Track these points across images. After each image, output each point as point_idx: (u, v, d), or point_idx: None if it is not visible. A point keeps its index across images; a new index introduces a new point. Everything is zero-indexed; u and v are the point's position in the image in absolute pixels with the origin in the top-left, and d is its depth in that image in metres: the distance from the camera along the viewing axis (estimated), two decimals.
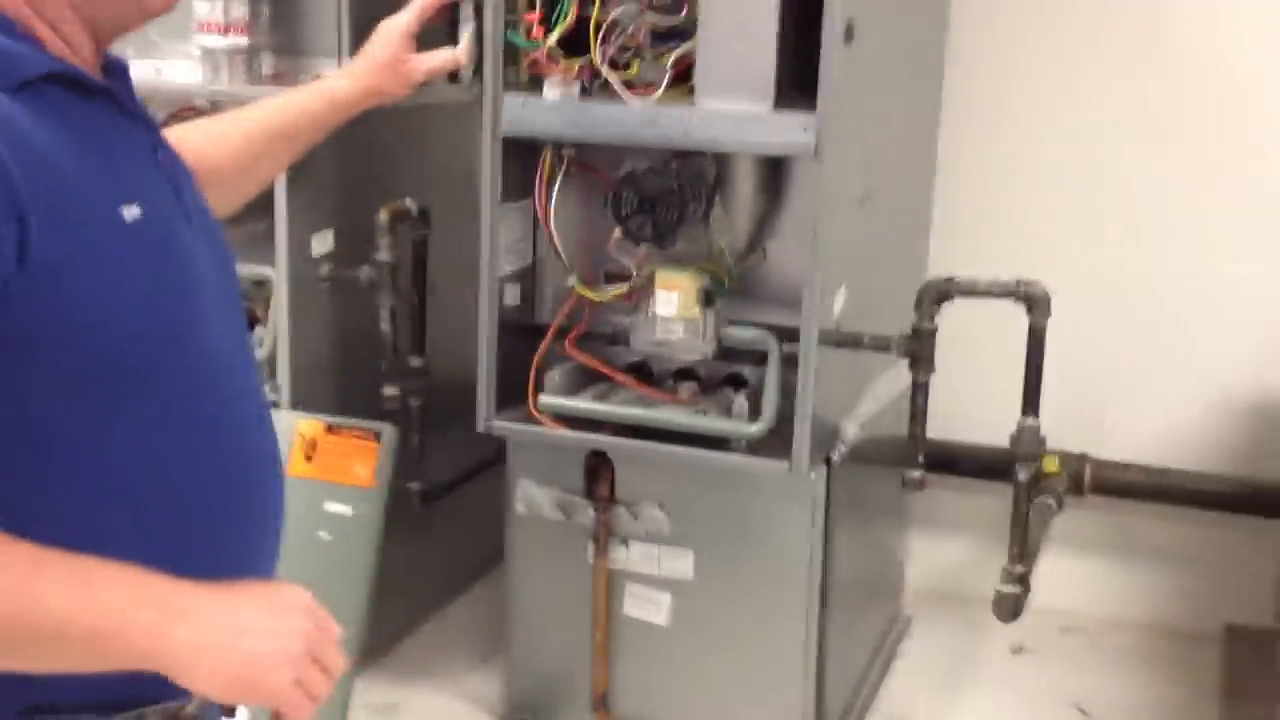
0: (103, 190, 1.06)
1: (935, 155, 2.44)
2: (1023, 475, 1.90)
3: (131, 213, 1.07)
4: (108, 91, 1.13)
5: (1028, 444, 1.90)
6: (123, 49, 1.28)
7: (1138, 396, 2.55)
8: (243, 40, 2.00)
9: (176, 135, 1.48)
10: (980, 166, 2.51)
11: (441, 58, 1.73)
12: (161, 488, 1.14)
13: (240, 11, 1.97)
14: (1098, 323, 2.51)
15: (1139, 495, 2.50)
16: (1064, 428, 2.48)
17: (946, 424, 2.25)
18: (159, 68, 2.06)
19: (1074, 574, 2.64)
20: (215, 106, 2.06)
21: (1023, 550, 1.93)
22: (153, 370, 1.10)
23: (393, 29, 1.72)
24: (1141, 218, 2.48)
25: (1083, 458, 2.47)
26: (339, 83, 1.69)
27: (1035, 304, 1.86)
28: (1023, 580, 1.94)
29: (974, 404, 2.38)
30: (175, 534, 1.15)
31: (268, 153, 1.62)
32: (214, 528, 1.20)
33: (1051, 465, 2.39)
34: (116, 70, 1.22)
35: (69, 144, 1.05)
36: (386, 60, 1.70)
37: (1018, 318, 2.28)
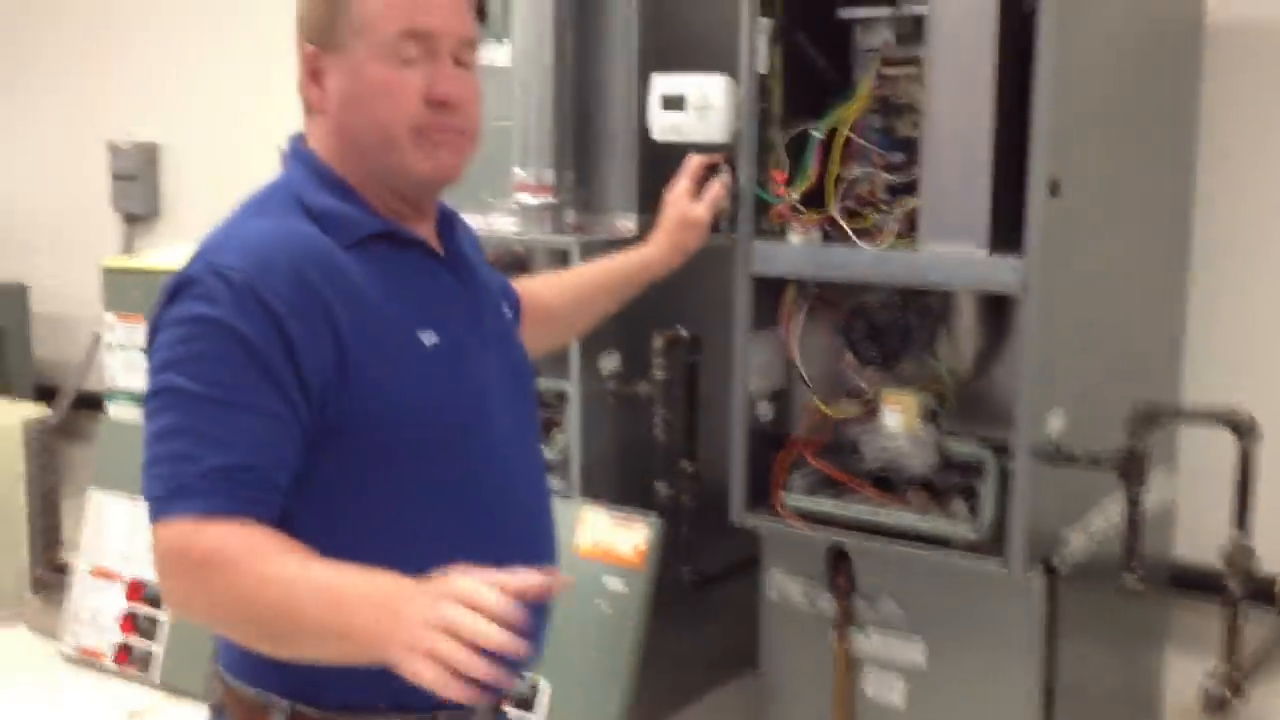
0: (407, 321, 1.41)
1: (1184, 290, 2.56)
2: (1233, 586, 2.00)
3: (429, 338, 1.41)
4: (420, 244, 1.50)
5: (1236, 558, 2.00)
6: (461, 208, 1.68)
7: None
8: (551, 198, 2.41)
9: (526, 282, 1.90)
10: (1238, 300, 2.59)
11: (712, 194, 2.09)
12: (444, 550, 1.37)
13: (549, 176, 2.40)
14: None
15: None
16: None
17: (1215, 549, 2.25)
18: (488, 220, 2.50)
19: None
20: (529, 249, 2.50)
21: (1234, 658, 2.01)
22: (440, 458, 1.41)
23: (676, 195, 2.11)
24: None
25: None
26: (648, 249, 2.08)
27: (1241, 430, 1.98)
28: (1232, 683, 2.01)
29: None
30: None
31: (591, 300, 2.03)
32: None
33: None
34: (444, 218, 1.57)
35: (384, 286, 1.40)
36: (679, 220, 2.09)
37: None
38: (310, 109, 1.49)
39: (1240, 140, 2.56)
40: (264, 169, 1.59)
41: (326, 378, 1.34)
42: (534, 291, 1.90)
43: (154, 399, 1.33)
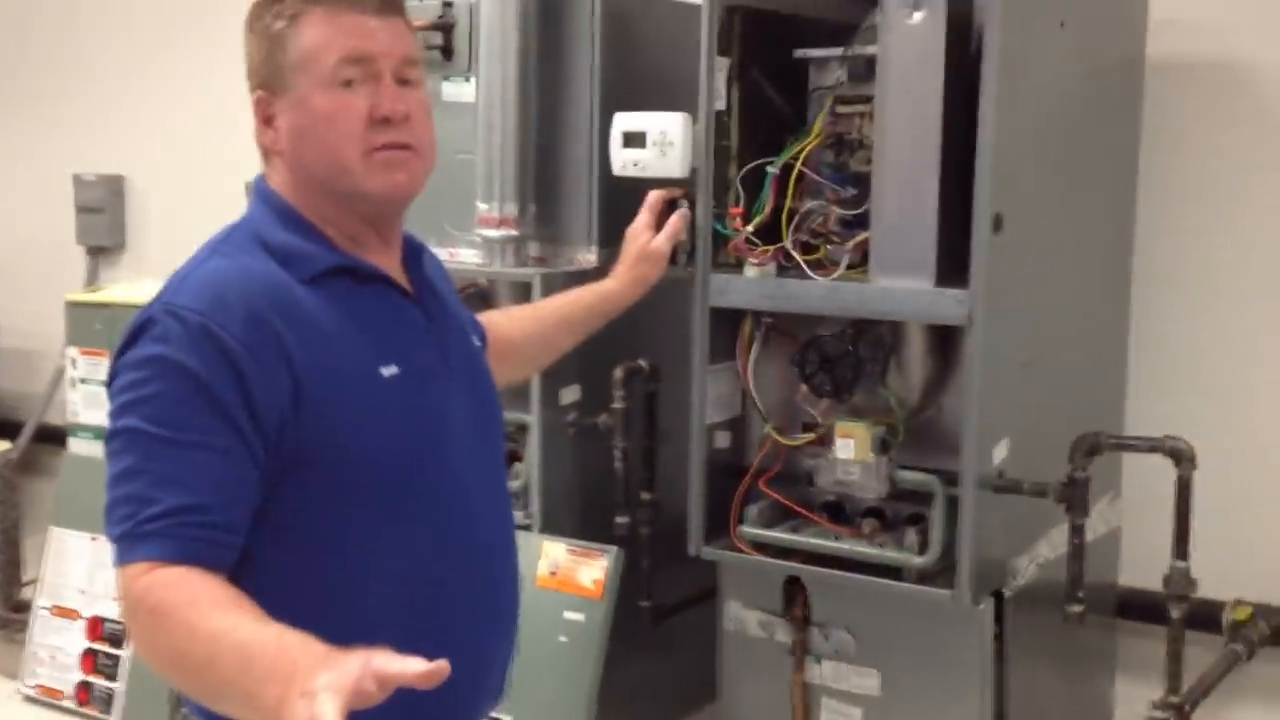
0: (366, 355, 1.43)
1: (1126, 321, 2.63)
2: (1175, 614, 2.06)
3: (389, 370, 1.44)
4: (383, 277, 1.52)
5: (1176, 585, 2.05)
6: (425, 240, 1.72)
7: None
8: (514, 231, 2.45)
9: (490, 316, 1.93)
10: (1179, 330, 2.66)
11: (670, 227, 2.14)
12: (407, 579, 1.44)
13: (511, 209, 2.44)
14: None
15: None
16: (1273, 581, 2.58)
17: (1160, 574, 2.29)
18: (452, 252, 2.53)
19: None
20: (492, 283, 2.54)
21: (1177, 683, 2.06)
22: (400, 490, 1.43)
23: (635, 228, 2.16)
24: None
25: None
26: (608, 283, 2.12)
27: (1180, 458, 2.03)
28: (1177, 710, 2.06)
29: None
30: (418, 614, 1.45)
31: (554, 334, 2.07)
32: (451, 614, 1.50)
33: (1242, 614, 2.48)
34: (412, 251, 1.60)
35: (344, 321, 1.43)
36: (638, 254, 2.13)
37: (1237, 473, 2.40)
38: (267, 154, 1.53)
39: (1177, 174, 2.63)
40: (230, 200, 1.63)
41: (282, 413, 1.36)
42: (497, 326, 1.93)
43: (114, 440, 1.36)
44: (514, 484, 2.48)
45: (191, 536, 1.30)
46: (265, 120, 1.51)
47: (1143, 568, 2.61)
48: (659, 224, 2.17)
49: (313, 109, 1.46)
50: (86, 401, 3.45)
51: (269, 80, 1.49)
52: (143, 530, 1.30)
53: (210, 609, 1.26)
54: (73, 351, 3.47)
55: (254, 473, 1.35)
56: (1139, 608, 2.63)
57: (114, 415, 1.36)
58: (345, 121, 1.45)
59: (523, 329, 2.03)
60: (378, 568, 1.44)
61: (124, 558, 1.32)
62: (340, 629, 1.32)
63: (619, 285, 2.14)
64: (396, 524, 1.45)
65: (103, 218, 4.33)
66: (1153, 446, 2.06)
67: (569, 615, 2.38)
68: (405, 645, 1.39)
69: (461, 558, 1.53)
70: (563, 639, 2.37)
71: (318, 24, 1.46)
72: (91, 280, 4.42)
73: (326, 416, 1.39)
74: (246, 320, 1.36)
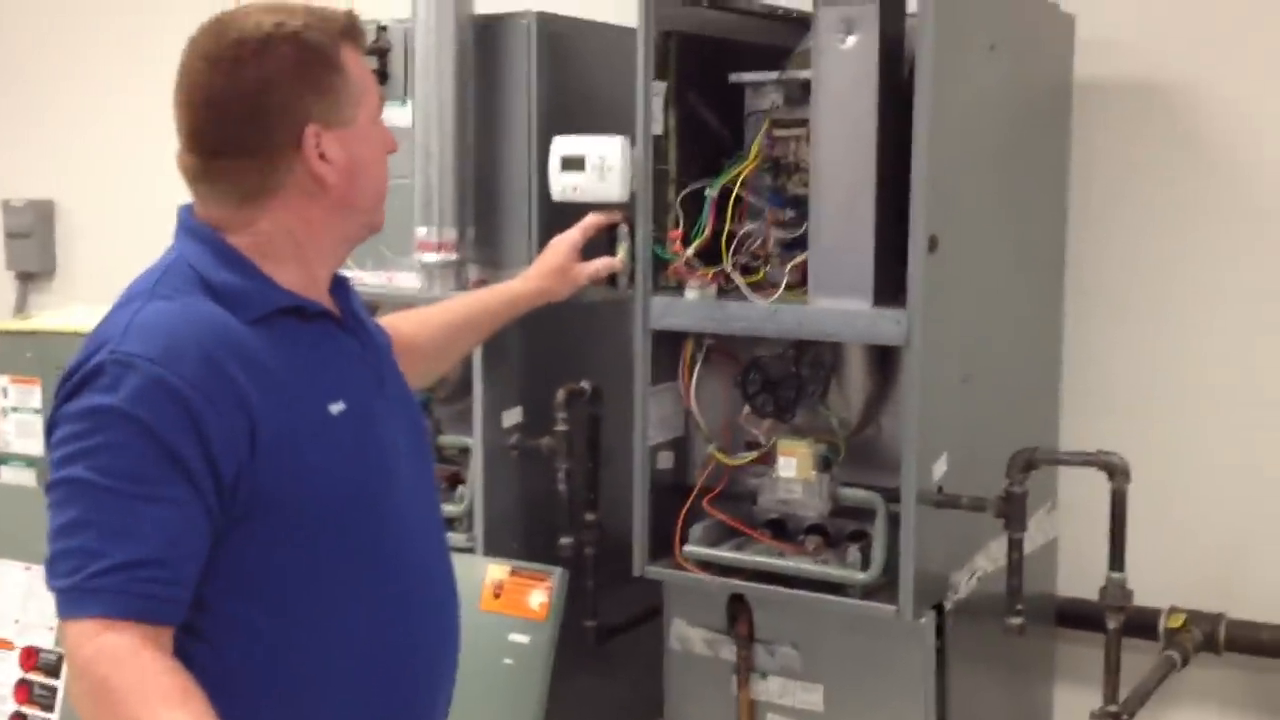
0: (314, 392, 1.43)
1: (1059, 337, 2.69)
2: (1111, 624, 2.10)
3: (337, 407, 1.43)
4: (325, 314, 1.52)
5: (1112, 596, 2.10)
6: (363, 264, 1.72)
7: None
8: (453, 255, 2.43)
9: (391, 319, 1.90)
10: (1109, 346, 2.72)
11: (599, 265, 2.16)
12: (361, 616, 1.45)
13: (450, 233, 2.43)
14: (1239, 485, 2.65)
15: (1274, 653, 2.59)
16: (1210, 587, 2.64)
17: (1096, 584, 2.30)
18: (390, 276, 2.52)
19: None
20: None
21: (1115, 692, 2.10)
22: (354, 526, 1.43)
23: (562, 242, 2.17)
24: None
25: (1218, 617, 2.59)
26: (516, 285, 2.13)
27: (1114, 472, 2.08)
28: (1114, 718, 2.10)
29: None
30: (369, 652, 1.46)
31: (460, 337, 2.07)
32: (401, 652, 1.50)
33: (1176, 621, 2.53)
34: (338, 282, 1.59)
35: (290, 359, 1.42)
36: (556, 268, 2.14)
37: (1168, 485, 2.45)
38: (321, 185, 1.47)
39: (1106, 193, 2.69)
40: (160, 225, 1.60)
41: (240, 460, 1.34)
42: (398, 329, 1.90)
43: (56, 491, 1.32)
44: (457, 507, 2.48)
45: (142, 593, 1.28)
46: (319, 155, 1.45)
47: (1079, 577, 2.67)
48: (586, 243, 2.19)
49: (378, 141, 1.52)
50: (19, 430, 3.38)
51: (326, 115, 1.45)
52: (91, 585, 1.27)
53: (158, 705, 1.25)
54: (3, 380, 3.40)
55: (205, 526, 1.32)
56: (1077, 617, 2.68)
57: (56, 465, 1.32)
58: (385, 154, 1.55)
59: (426, 332, 2.01)
60: (331, 608, 1.43)
61: (70, 612, 1.29)
62: (290, 684, 1.39)
63: (525, 289, 2.15)
64: (351, 560, 1.44)
65: (31, 243, 4.26)
66: (1087, 461, 2.11)
67: (514, 638, 2.37)
68: (356, 693, 1.43)
69: (408, 586, 1.53)
70: (508, 661, 2.36)
71: (351, 56, 1.49)
72: (21, 307, 4.34)
73: (282, 460, 1.37)
74: (200, 364, 1.33)
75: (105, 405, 1.30)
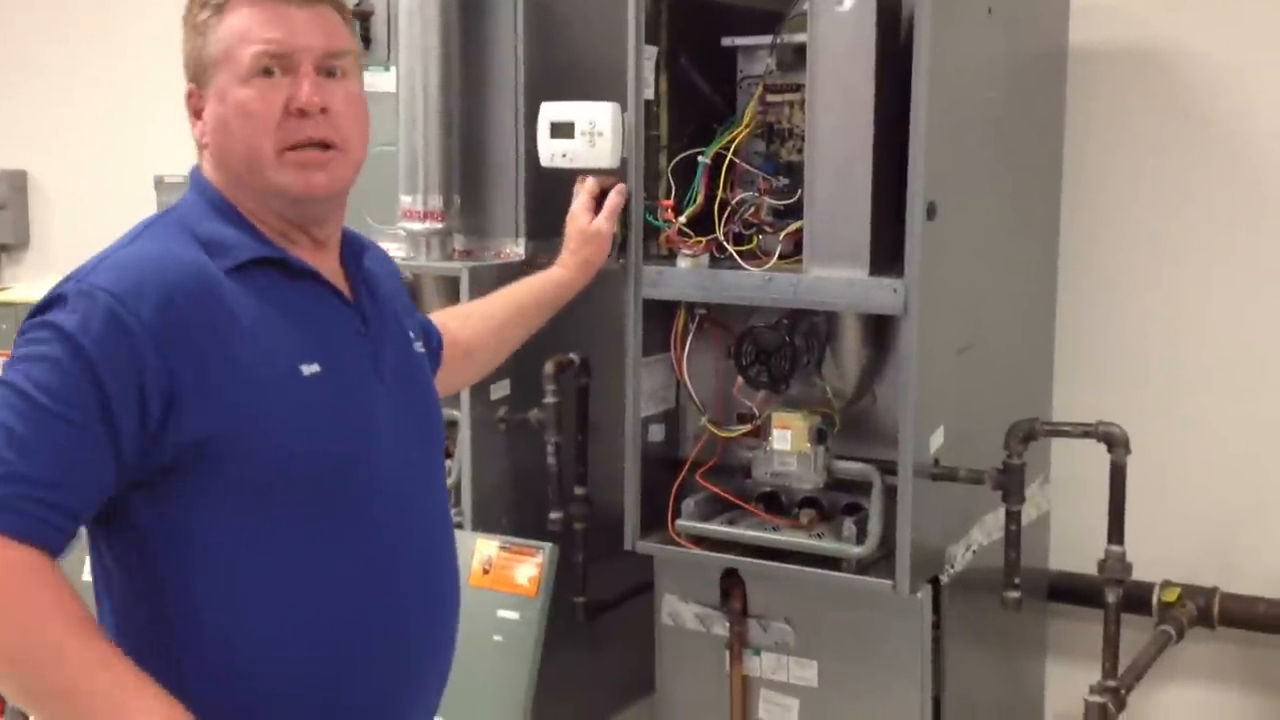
0: (287, 351, 1.39)
1: (1053, 308, 2.66)
2: (1110, 598, 2.07)
3: (310, 369, 1.39)
4: (313, 274, 1.48)
5: (1112, 569, 2.07)
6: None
7: (1274, 532, 2.65)
8: (438, 224, 2.39)
9: (440, 320, 1.90)
10: (1103, 316, 2.70)
11: (610, 205, 2.12)
12: (323, 591, 1.40)
13: (436, 201, 2.38)
14: (1232, 457, 2.64)
15: (1268, 628, 2.58)
16: (1204, 561, 2.62)
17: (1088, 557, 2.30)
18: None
19: (1209, 706, 2.72)
20: (417, 277, 2.48)
21: (1114, 667, 2.08)
22: (315, 494, 1.39)
23: (575, 212, 2.14)
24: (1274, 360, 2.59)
25: (1212, 591, 2.58)
26: (556, 270, 2.10)
27: (1114, 443, 2.05)
28: (1114, 694, 2.08)
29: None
30: (337, 630, 1.41)
31: (507, 329, 2.04)
32: (379, 631, 1.45)
33: (1171, 596, 2.52)
34: (351, 250, 1.56)
35: (267, 314, 1.39)
36: (581, 235, 2.10)
37: (1161, 459, 2.42)
38: (199, 146, 1.51)
39: (1100, 160, 2.66)
40: (136, 195, 1.58)
41: (178, 404, 1.32)
42: (450, 331, 1.91)
43: None
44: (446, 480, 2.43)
45: (30, 514, 1.27)
46: (195, 113, 1.49)
47: (1071, 551, 2.65)
48: (596, 207, 2.14)
49: (231, 101, 1.43)
50: None
51: (197, 73, 1.47)
52: None
53: (82, 627, 1.27)
54: None
55: (111, 463, 1.31)
56: (1070, 592, 2.66)
57: (4, 368, 1.35)
58: (260, 114, 1.42)
59: (477, 330, 2.01)
60: (289, 576, 1.39)
61: None
62: (246, 648, 1.36)
63: (567, 272, 2.13)
64: (310, 530, 1.40)
65: (5, 215, 4.20)
66: (1086, 432, 2.08)
67: (503, 614, 2.33)
68: (326, 655, 1.40)
69: (389, 571, 1.47)
70: (497, 638, 2.33)
71: (239, 14, 1.44)
72: None
73: (237, 411, 1.35)
74: (159, 307, 1.32)
75: (56, 323, 1.32)
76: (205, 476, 1.35)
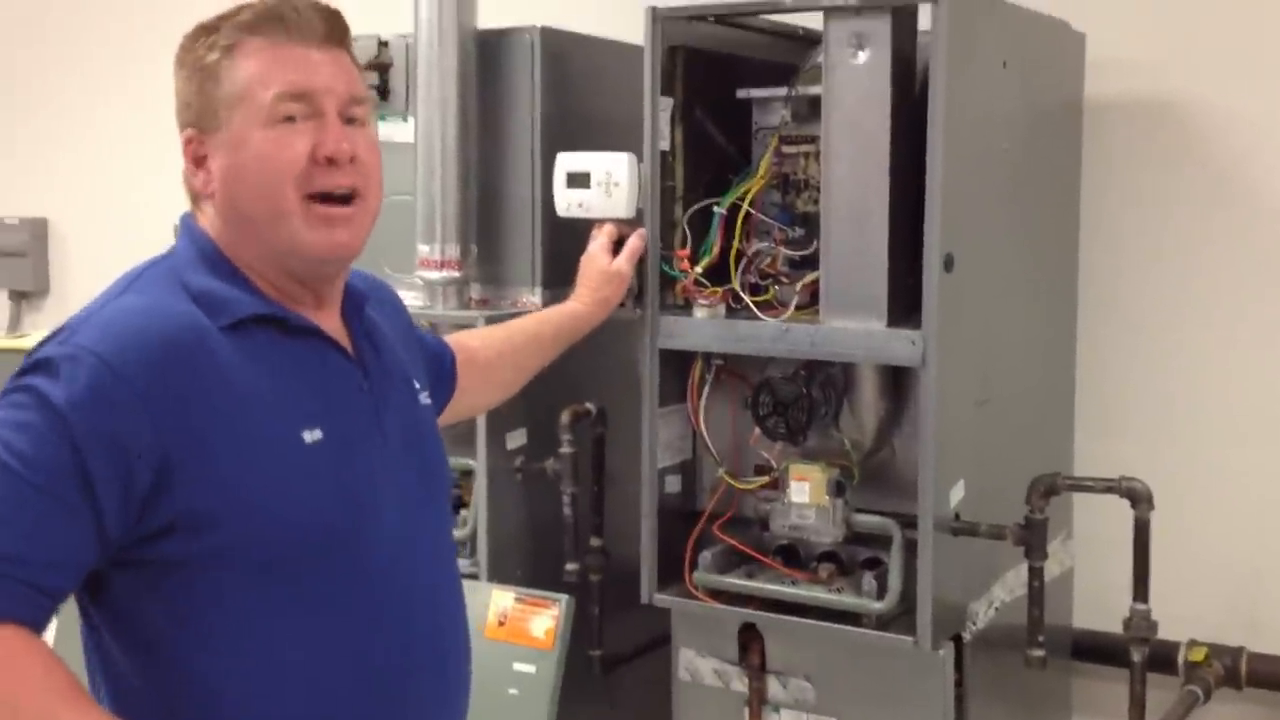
0: (287, 416, 1.33)
1: (1073, 360, 2.63)
2: (1136, 657, 2.03)
3: (313, 435, 1.33)
4: (314, 331, 1.41)
5: (1137, 628, 2.03)
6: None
7: None
8: (455, 273, 2.40)
9: (458, 339, 1.88)
10: (1124, 368, 2.68)
11: (631, 247, 2.10)
12: (327, 657, 1.35)
13: (453, 251, 2.39)
14: (1257, 511, 2.58)
15: None
16: (1230, 619, 2.57)
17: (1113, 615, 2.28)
18: None
19: None
20: (434, 327, 2.48)
21: None
22: (316, 561, 1.33)
23: (592, 252, 2.13)
24: None
25: (1239, 650, 2.53)
26: (572, 304, 2.09)
27: (1137, 499, 2.02)
28: None
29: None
30: (340, 705, 1.37)
31: (524, 354, 2.03)
32: (385, 703, 1.40)
33: (1198, 655, 2.47)
34: (353, 303, 1.49)
35: (264, 375, 1.32)
36: (599, 274, 2.09)
37: (1184, 513, 2.39)
38: (197, 197, 1.43)
39: (1118, 212, 2.64)
40: (156, 243, 1.55)
41: (167, 471, 1.26)
42: (468, 348, 1.88)
43: None
44: (460, 531, 2.42)
45: (5, 591, 1.21)
46: (195, 161, 1.41)
47: (1095, 609, 2.60)
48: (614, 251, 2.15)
49: (250, 146, 1.36)
50: None
51: (201, 117, 1.39)
52: None
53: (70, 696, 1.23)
54: None
55: (92, 537, 1.25)
56: (1095, 650, 2.61)
57: None
58: (285, 158, 1.35)
59: (497, 349, 1.99)
60: (289, 646, 1.34)
61: None
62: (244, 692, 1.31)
63: (583, 307, 2.12)
64: (310, 601, 1.35)
65: (25, 262, 4.21)
66: (1109, 487, 2.05)
67: (519, 667, 2.30)
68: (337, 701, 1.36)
69: (395, 637, 1.42)
70: (513, 691, 2.30)
71: (255, 55, 1.37)
72: (14, 326, 4.29)
73: (236, 483, 1.29)
74: (149, 367, 1.26)
75: (41, 391, 1.25)
76: (200, 547, 1.29)
